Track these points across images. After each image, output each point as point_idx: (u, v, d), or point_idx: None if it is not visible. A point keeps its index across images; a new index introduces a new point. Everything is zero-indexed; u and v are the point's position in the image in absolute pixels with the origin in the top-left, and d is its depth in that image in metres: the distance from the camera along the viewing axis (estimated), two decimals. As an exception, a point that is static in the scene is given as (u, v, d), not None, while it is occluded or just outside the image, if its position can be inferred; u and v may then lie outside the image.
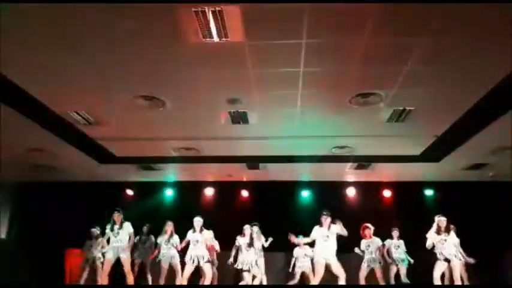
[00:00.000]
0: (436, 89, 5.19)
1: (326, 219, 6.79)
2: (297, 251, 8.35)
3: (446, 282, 7.58)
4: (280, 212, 9.50)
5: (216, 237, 8.07)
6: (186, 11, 3.66)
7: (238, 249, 7.75)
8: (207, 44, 4.15)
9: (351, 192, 10.21)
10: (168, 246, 7.82)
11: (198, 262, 7.03)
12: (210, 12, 3.66)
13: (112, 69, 4.78)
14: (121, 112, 6.09)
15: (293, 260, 8.40)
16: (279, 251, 8.73)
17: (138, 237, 8.32)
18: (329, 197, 9.70)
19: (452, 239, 6.97)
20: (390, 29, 3.92)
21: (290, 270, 8.41)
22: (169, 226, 7.91)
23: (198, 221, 7.23)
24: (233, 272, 8.33)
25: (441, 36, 4.01)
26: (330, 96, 5.50)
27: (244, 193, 10.42)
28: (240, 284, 7.61)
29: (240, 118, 6.24)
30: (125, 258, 6.99)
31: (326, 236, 6.73)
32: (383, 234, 8.38)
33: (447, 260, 6.89)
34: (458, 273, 6.82)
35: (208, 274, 7.12)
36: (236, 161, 8.57)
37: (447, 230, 6.99)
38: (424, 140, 7.21)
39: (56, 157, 8.09)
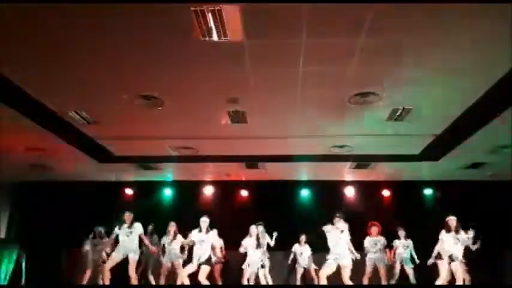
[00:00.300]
0: (434, 88, 5.19)
1: (339, 222, 6.75)
2: (296, 247, 8.42)
3: (446, 282, 7.57)
4: (279, 212, 9.49)
5: (216, 237, 8.09)
6: (184, 11, 3.65)
7: (246, 252, 7.78)
8: (206, 44, 4.14)
9: (349, 191, 10.21)
10: (171, 247, 7.89)
11: (203, 262, 6.89)
12: (209, 11, 3.65)
13: (111, 69, 4.78)
14: (120, 111, 6.08)
15: (291, 255, 8.48)
16: (279, 250, 8.71)
17: None
18: (328, 196, 9.71)
19: (462, 237, 6.84)
20: (390, 29, 3.92)
21: (289, 261, 8.54)
22: (172, 227, 8.01)
23: (204, 221, 7.10)
24: (236, 272, 8.36)
25: (440, 36, 4.02)
26: (329, 96, 5.50)
27: (243, 192, 10.42)
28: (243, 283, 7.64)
29: (239, 117, 6.23)
30: (133, 258, 7.08)
31: (338, 238, 6.69)
32: (382, 233, 8.35)
33: (452, 259, 6.79)
34: (461, 274, 6.75)
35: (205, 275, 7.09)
36: (235, 160, 8.57)
37: (456, 230, 6.86)
38: (423, 139, 7.21)
39: (55, 157, 8.08)
